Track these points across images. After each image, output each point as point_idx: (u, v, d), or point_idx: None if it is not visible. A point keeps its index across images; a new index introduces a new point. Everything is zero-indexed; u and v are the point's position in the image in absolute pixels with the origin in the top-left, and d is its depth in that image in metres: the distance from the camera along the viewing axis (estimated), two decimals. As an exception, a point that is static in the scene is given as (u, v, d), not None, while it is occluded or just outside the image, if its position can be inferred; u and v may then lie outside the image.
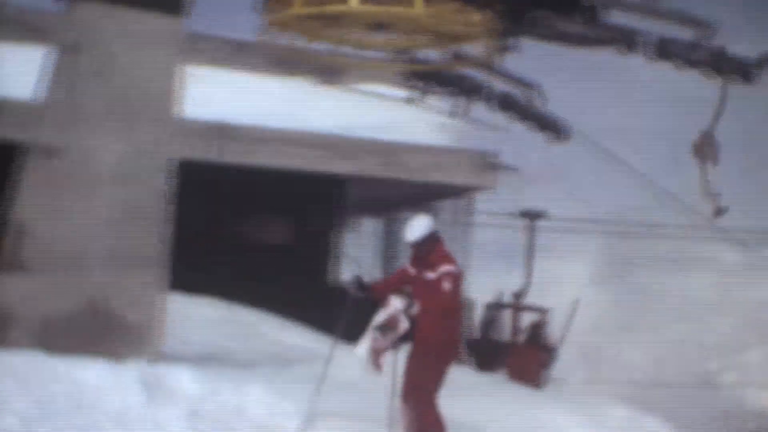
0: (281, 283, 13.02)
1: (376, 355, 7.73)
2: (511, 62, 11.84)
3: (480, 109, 14.16)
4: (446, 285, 7.39)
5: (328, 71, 15.49)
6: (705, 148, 11.26)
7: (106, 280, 8.94)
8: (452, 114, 15.40)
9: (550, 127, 13.44)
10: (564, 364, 14.39)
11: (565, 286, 16.79)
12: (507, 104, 13.33)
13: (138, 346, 8.83)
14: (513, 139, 14.34)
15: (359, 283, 7.81)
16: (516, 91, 13.27)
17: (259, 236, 13.69)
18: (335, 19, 10.01)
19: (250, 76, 15.04)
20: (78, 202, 8.96)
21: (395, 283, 7.79)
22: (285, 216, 13.97)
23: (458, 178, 14.38)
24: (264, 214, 13.68)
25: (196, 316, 10.78)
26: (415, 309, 7.59)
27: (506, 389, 12.13)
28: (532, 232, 15.43)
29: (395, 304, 7.72)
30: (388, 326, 7.65)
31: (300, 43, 11.10)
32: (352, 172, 13.61)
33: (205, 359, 9.26)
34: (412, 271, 7.64)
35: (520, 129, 13.82)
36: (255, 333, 11.53)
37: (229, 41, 15.74)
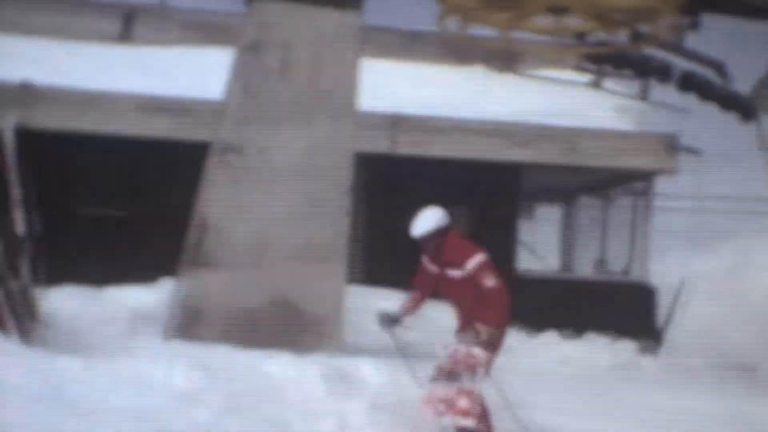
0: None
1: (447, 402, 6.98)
2: (694, 40, 11.32)
3: (661, 91, 13.65)
4: (489, 281, 6.89)
5: (503, 57, 15.24)
6: (761, 97, 10.45)
7: (288, 274, 9.03)
8: (631, 97, 14.92)
9: (736, 106, 12.81)
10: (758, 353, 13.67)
11: (759, 270, 15.99)
12: (689, 84, 12.78)
13: (321, 339, 8.88)
14: (696, 120, 13.75)
15: (388, 318, 7.32)
16: (699, 71, 12.71)
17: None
18: (511, 4, 9.77)
19: (425, 66, 14.95)
20: (260, 197, 9.08)
21: (424, 288, 7.25)
22: (462, 206, 13.80)
23: (638, 163, 13.85)
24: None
25: (377, 308, 10.73)
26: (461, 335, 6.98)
27: (697, 376, 11.62)
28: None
29: (453, 348, 7.10)
30: (462, 373, 7.07)
31: (473, 30, 10.92)
32: (529, 159, 13.31)
33: (386, 351, 9.21)
34: (432, 268, 7.11)
35: (703, 109, 13.24)
36: (436, 324, 11.41)
37: (402, 31, 15.70)
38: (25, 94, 11.44)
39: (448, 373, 6.98)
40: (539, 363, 11.29)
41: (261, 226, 9.03)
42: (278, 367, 8.04)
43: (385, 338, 9.91)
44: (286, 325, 8.95)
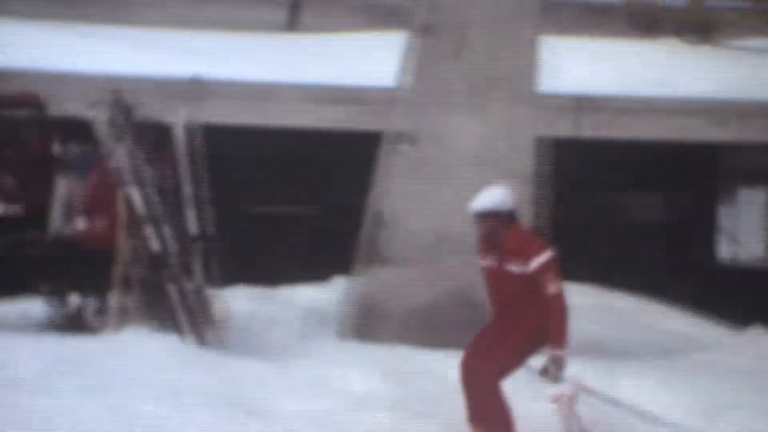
0: (655, 264, 12.58)
1: None
2: None
3: None
4: (553, 287, 6.43)
5: (698, 28, 14.76)
6: None
7: (468, 269, 8.88)
8: None
9: None
10: None
11: None
12: None
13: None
14: None
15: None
16: None
17: (629, 215, 13.29)
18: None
19: (611, 42, 14.62)
20: (436, 188, 9.07)
21: None
22: (656, 191, 13.48)
23: None
24: (633, 190, 13.27)
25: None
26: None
27: None
28: None
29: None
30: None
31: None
32: (729, 139, 12.85)
33: (575, 348, 9.05)
34: (488, 262, 6.69)
35: None
36: (629, 319, 11.19)
37: (586, 6, 15.41)
38: (195, 89, 11.82)
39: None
40: (747, 361, 10.87)
41: (438, 219, 9.01)
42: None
43: (577, 336, 9.74)
44: (468, 324, 8.85)
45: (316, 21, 14.94)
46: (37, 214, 9.12)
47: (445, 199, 9.05)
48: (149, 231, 8.72)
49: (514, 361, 6.71)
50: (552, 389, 6.58)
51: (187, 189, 9.06)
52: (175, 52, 12.53)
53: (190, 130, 9.26)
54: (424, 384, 7.75)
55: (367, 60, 12.14)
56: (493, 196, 6.67)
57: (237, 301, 9.80)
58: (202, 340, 8.52)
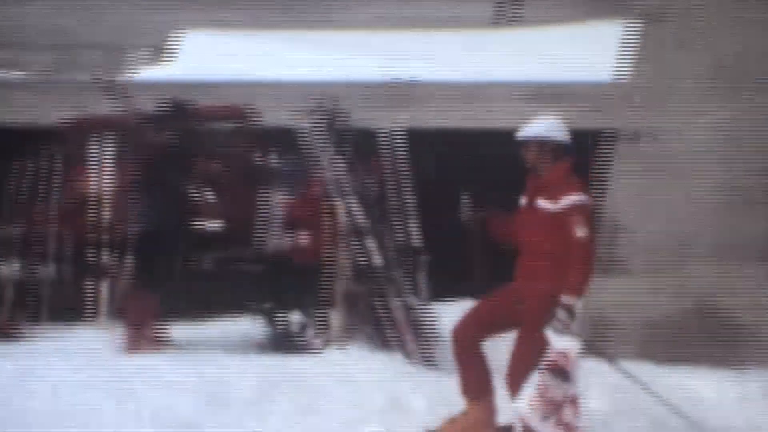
0: None
1: (552, 407, 6.05)
2: None
3: None
4: (581, 230, 6.13)
5: None
6: None
7: (713, 277, 8.73)
8: None
9: None
10: None
11: None
12: None
13: (759, 352, 8.51)
14: None
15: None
16: None
17: None
18: None
19: None
20: (674, 190, 8.86)
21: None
22: None
23: None
24: None
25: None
26: None
27: None
28: None
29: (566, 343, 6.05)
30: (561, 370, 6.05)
31: None
32: None
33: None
34: (523, 200, 6.51)
35: None
36: None
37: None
38: (401, 92, 11.90)
39: (561, 370, 6.15)
40: None
41: (677, 223, 8.81)
42: (710, 384, 7.79)
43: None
44: (715, 337, 8.66)
45: (525, 14, 14.83)
46: (244, 229, 9.35)
47: (686, 201, 8.85)
48: (357, 244, 8.81)
49: (538, 353, 6.29)
50: (557, 342, 6.12)
51: (396, 198, 9.11)
52: (379, 54, 12.64)
53: (397, 135, 9.31)
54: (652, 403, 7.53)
55: (581, 53, 12.00)
56: (542, 124, 6.52)
57: (448, 315, 9.79)
58: (412, 358, 8.57)
